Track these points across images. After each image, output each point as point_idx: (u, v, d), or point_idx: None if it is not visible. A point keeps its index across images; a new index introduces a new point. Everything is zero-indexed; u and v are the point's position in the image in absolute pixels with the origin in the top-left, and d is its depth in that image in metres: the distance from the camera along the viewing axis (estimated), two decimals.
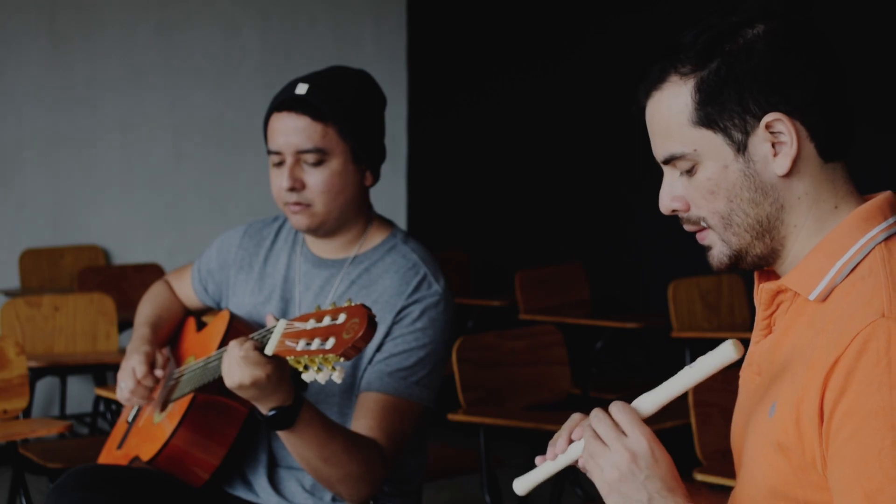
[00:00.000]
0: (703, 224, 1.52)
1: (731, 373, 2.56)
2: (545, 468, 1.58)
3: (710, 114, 1.47)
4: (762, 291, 1.54)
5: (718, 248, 1.52)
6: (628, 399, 1.54)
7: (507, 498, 3.71)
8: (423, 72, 6.66)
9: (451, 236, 6.34)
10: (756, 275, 1.59)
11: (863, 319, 1.38)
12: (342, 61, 5.81)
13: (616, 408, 1.51)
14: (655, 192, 1.58)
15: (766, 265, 1.54)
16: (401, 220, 6.60)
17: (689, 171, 1.50)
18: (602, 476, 1.49)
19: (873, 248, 1.45)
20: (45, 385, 5.60)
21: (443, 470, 3.48)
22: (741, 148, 1.47)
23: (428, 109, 6.63)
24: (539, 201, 6.02)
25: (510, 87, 6.15)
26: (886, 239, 1.46)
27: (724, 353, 1.46)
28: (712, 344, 4.09)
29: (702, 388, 2.82)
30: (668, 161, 1.52)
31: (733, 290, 4.76)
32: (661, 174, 1.57)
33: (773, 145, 1.46)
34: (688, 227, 1.55)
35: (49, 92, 5.83)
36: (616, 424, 1.50)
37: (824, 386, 1.39)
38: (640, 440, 1.48)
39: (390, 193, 6.45)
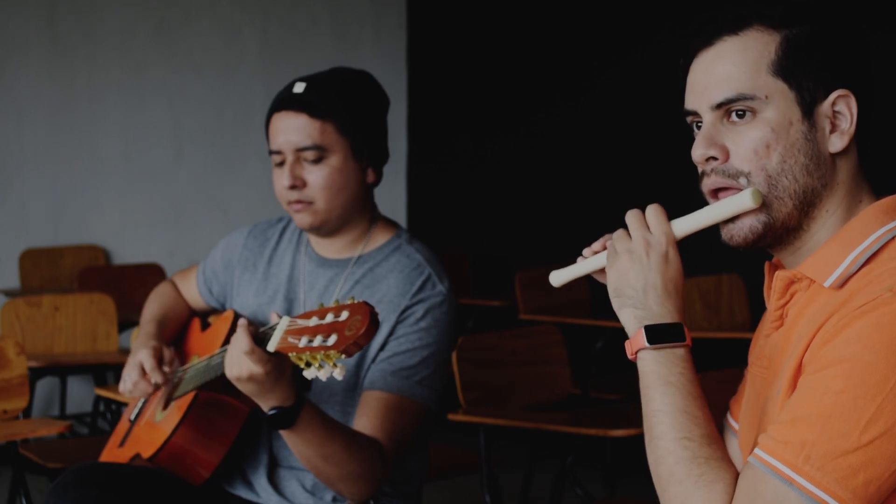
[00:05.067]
0: (741, 181, 1.49)
1: (725, 372, 2.56)
2: (580, 266, 1.65)
3: (791, 68, 1.48)
4: (777, 279, 1.53)
5: (751, 215, 1.49)
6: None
7: (507, 498, 3.71)
8: (423, 72, 6.66)
9: (451, 236, 6.34)
10: (767, 267, 1.59)
11: (871, 294, 1.38)
12: (342, 62, 5.82)
13: (651, 208, 1.57)
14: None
15: (784, 245, 1.52)
16: (401, 220, 6.60)
17: (746, 119, 1.48)
18: (615, 258, 1.56)
19: (893, 237, 1.45)
20: (45, 385, 5.60)
21: (443, 470, 3.48)
22: (807, 112, 1.48)
23: (428, 109, 6.63)
24: (539, 201, 6.02)
25: (510, 87, 6.15)
26: None
27: (743, 198, 1.48)
28: (712, 344, 4.07)
29: None
30: (727, 103, 1.49)
31: (733, 290, 4.76)
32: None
33: (831, 122, 1.48)
34: (715, 182, 1.51)
35: (49, 92, 5.83)
36: (645, 221, 1.55)
37: (811, 339, 1.41)
38: (661, 237, 1.54)
39: (390, 193, 6.45)
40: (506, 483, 3.73)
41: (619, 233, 1.58)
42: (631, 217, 1.57)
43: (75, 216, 5.93)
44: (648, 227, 1.55)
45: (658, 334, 1.50)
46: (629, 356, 1.54)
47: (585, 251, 1.66)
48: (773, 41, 1.49)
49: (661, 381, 1.48)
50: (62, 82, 5.86)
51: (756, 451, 1.38)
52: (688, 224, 1.55)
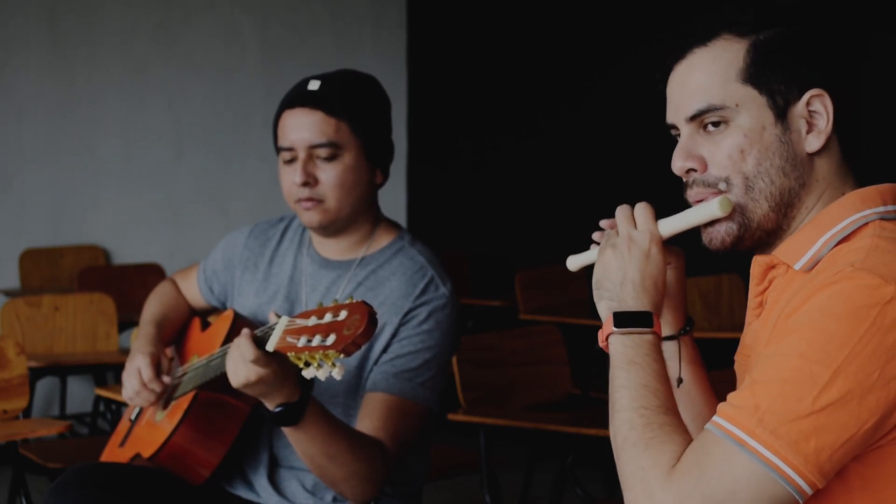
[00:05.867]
0: (720, 187, 1.51)
1: (725, 372, 2.56)
2: (595, 252, 1.67)
3: (760, 73, 1.49)
4: (754, 265, 1.55)
5: (725, 221, 1.52)
6: None
7: (507, 498, 3.71)
8: (423, 72, 6.66)
9: (451, 236, 6.34)
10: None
11: (835, 269, 1.40)
12: (342, 62, 5.83)
13: (640, 206, 1.60)
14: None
15: (764, 246, 1.54)
16: (401, 220, 6.59)
17: (720, 128, 1.50)
18: (602, 250, 1.60)
19: (866, 223, 1.47)
20: (45, 385, 5.60)
21: (443, 470, 3.48)
22: (781, 115, 1.49)
23: (428, 109, 6.63)
24: (539, 201, 6.02)
25: (510, 87, 6.15)
26: (882, 221, 1.47)
27: (711, 207, 1.51)
28: (712, 344, 4.10)
29: None
30: (700, 115, 1.51)
31: (733, 290, 4.76)
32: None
33: (808, 123, 1.49)
34: (697, 193, 1.54)
35: (49, 92, 5.83)
36: (633, 218, 1.59)
37: (779, 316, 1.42)
38: (645, 235, 1.57)
39: (390, 193, 6.44)
40: (506, 483, 3.72)
41: (610, 230, 1.62)
42: (620, 213, 1.61)
43: (75, 216, 5.93)
44: (635, 224, 1.59)
45: (626, 319, 1.53)
46: (601, 343, 1.57)
47: (595, 236, 1.68)
48: (742, 48, 1.50)
49: (626, 360, 1.51)
50: (62, 82, 5.86)
51: (713, 418, 1.39)
52: (672, 224, 1.58)
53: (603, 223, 1.67)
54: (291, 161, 2.42)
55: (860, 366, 1.33)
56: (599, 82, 5.70)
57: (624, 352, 1.51)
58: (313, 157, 2.40)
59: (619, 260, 1.56)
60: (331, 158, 2.40)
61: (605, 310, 1.56)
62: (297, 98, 2.41)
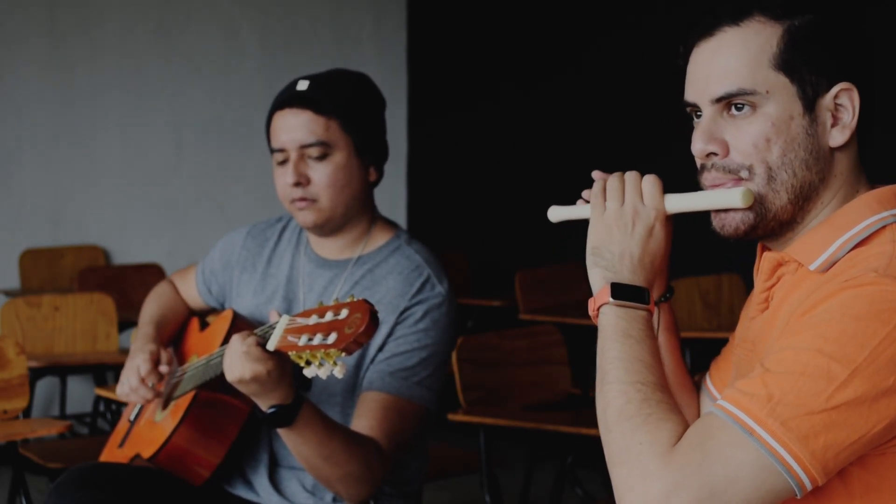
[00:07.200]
0: (741, 174, 1.48)
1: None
2: (581, 208, 1.64)
3: (793, 61, 1.46)
4: (764, 261, 1.53)
5: (742, 209, 1.48)
6: None
7: (507, 498, 3.71)
8: (423, 72, 6.66)
9: (451, 236, 6.33)
10: (759, 247, 1.58)
11: (856, 272, 1.38)
12: (342, 61, 5.82)
13: (648, 178, 1.56)
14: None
15: (774, 236, 1.52)
16: (401, 220, 6.60)
17: (745, 113, 1.47)
18: (601, 214, 1.56)
19: (884, 226, 1.45)
20: (45, 385, 5.60)
21: (443, 470, 3.48)
22: (809, 106, 1.46)
23: (428, 109, 6.63)
24: (539, 201, 6.00)
25: (510, 87, 6.15)
26: None
27: (733, 196, 1.47)
28: (712, 344, 4.11)
29: None
30: (728, 97, 1.48)
31: (733, 290, 4.75)
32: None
33: (833, 116, 1.47)
34: (715, 178, 1.50)
35: (49, 91, 5.83)
36: (641, 188, 1.55)
37: (792, 313, 1.40)
38: (651, 210, 1.54)
39: (390, 193, 6.45)
40: (506, 483, 3.72)
41: (613, 185, 1.57)
42: (629, 180, 1.57)
43: (75, 216, 5.93)
44: (642, 196, 1.55)
45: (623, 292, 1.50)
46: (591, 312, 1.54)
47: (585, 193, 1.65)
48: (775, 33, 1.47)
49: (621, 333, 1.48)
50: (62, 82, 5.86)
51: (720, 401, 1.37)
52: (681, 202, 1.55)
53: (595, 175, 1.63)
54: (284, 162, 2.43)
55: (878, 369, 1.31)
56: (600, 83, 5.70)
57: (618, 324, 1.49)
58: (304, 157, 2.41)
59: (622, 232, 1.53)
60: (322, 157, 2.40)
61: (599, 278, 1.53)
62: (287, 99, 2.42)
